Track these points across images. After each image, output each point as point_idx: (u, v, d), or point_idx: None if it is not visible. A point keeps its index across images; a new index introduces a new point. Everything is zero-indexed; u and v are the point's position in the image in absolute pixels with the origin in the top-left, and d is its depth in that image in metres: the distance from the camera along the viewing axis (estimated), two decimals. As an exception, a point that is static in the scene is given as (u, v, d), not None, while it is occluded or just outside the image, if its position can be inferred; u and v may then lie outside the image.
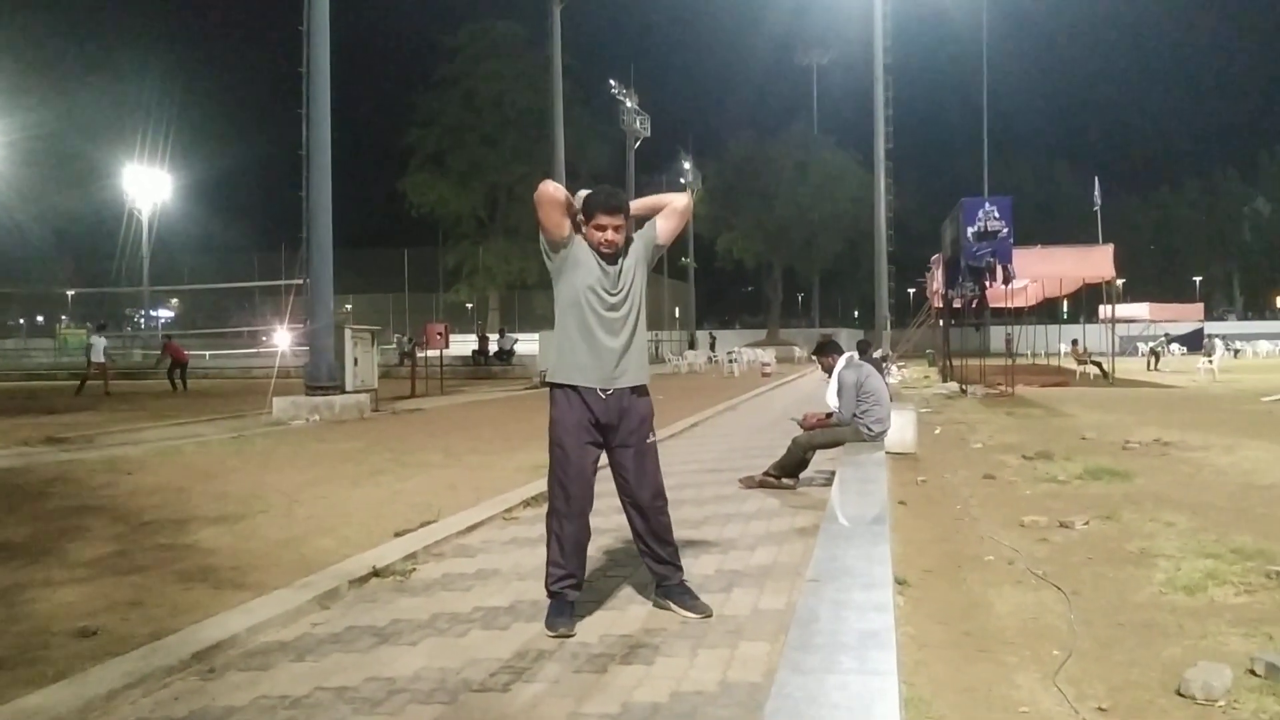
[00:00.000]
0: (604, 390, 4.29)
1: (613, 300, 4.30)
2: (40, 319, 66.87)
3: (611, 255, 4.32)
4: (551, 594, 4.29)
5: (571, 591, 4.30)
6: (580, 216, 4.32)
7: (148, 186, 45.70)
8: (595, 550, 5.25)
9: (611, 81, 44.35)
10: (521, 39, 52.97)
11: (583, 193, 4.36)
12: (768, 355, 36.33)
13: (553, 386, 4.39)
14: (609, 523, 5.80)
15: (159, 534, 6.24)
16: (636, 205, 4.50)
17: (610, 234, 4.28)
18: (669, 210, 4.51)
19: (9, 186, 45.80)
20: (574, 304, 4.31)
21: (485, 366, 33.24)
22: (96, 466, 9.55)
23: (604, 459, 4.45)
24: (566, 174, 29.77)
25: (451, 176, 55.44)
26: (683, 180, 61.53)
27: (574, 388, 4.30)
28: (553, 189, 4.24)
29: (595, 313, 4.28)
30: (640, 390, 4.43)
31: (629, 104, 45.22)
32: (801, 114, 73.41)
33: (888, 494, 5.50)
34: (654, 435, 4.51)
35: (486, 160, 55.61)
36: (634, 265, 4.38)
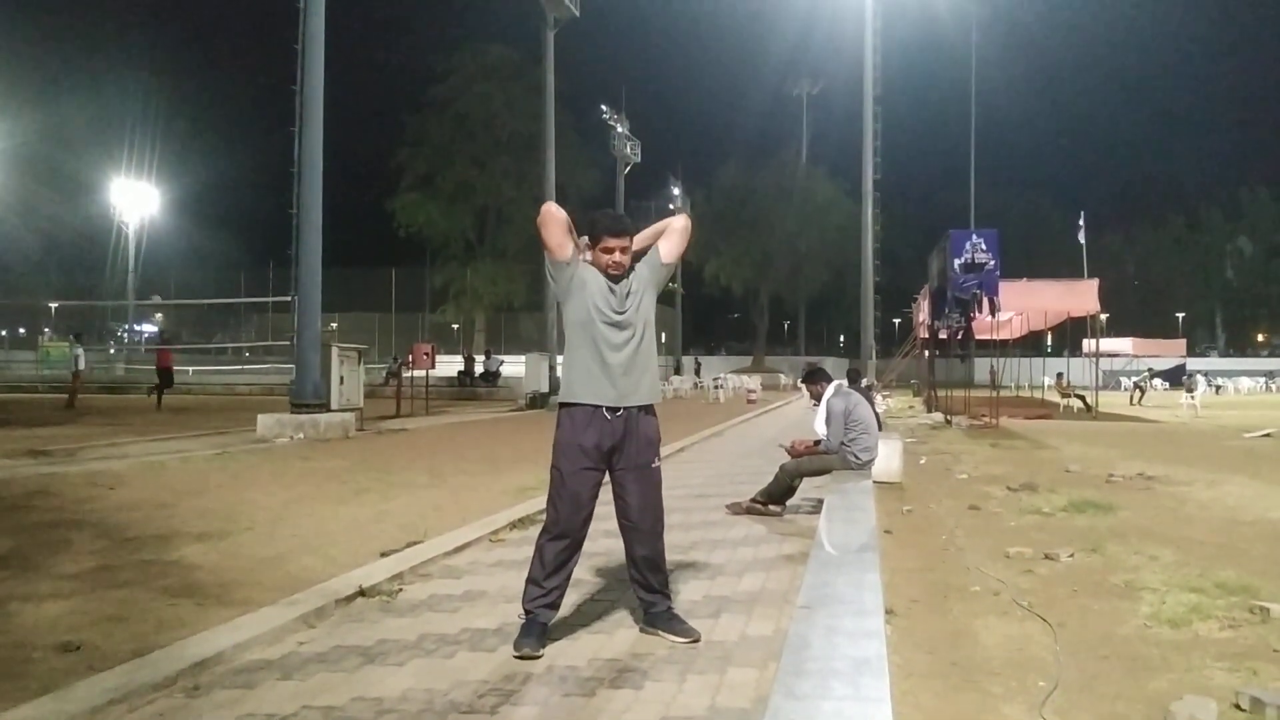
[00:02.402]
0: (612, 410, 4.31)
1: (620, 319, 4.32)
2: (22, 331, 66.41)
3: (618, 276, 4.35)
4: (525, 611, 4.29)
5: (545, 612, 4.29)
6: (586, 241, 4.36)
7: (135, 200, 45.63)
8: (583, 573, 5.25)
9: (603, 107, 44.48)
10: (514, 63, 53.14)
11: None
12: (753, 382, 36.41)
13: (562, 406, 4.40)
14: (597, 546, 5.79)
15: (143, 549, 6.20)
16: (641, 237, 4.51)
17: (617, 256, 4.32)
18: (669, 231, 4.55)
19: (-3, 197, 45.70)
20: (583, 324, 4.33)
21: (470, 388, 33.20)
22: (79, 480, 9.47)
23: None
24: (557, 198, 29.84)
25: (441, 197, 55.49)
26: (672, 206, 61.79)
27: (582, 408, 4.31)
28: (555, 208, 4.28)
29: (603, 332, 4.30)
30: (649, 410, 4.44)
31: (620, 129, 45.35)
32: (791, 143, 73.78)
33: (875, 523, 5.52)
34: (659, 460, 4.51)
35: (476, 182, 55.72)
36: (641, 287, 4.41)
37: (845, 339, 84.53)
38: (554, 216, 4.26)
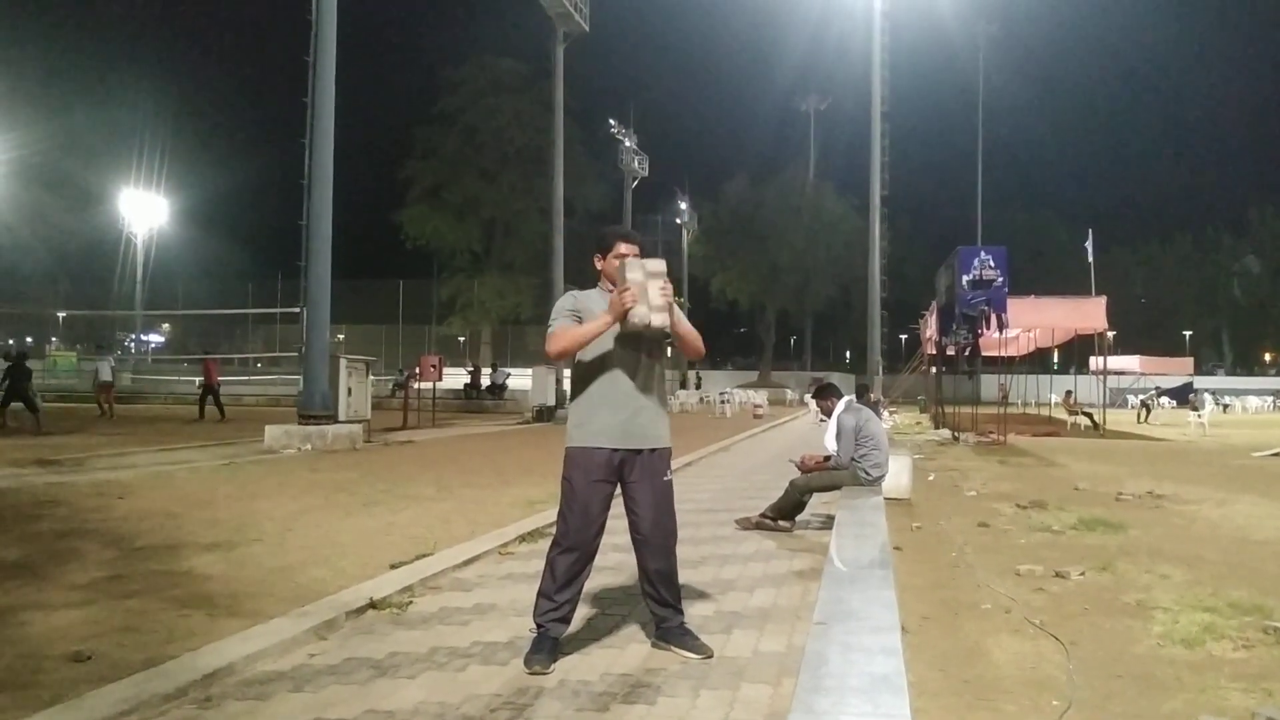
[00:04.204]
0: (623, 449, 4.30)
1: (631, 360, 4.31)
2: (30, 339, 66.60)
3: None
4: (536, 625, 4.28)
5: (557, 626, 4.28)
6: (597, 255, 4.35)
7: (144, 210, 45.82)
8: (594, 587, 5.24)
9: (611, 121, 44.64)
10: (523, 76, 53.37)
11: (639, 279, 4.22)
12: (760, 397, 36.37)
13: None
14: (607, 560, 5.78)
15: (152, 559, 6.20)
16: (679, 318, 4.39)
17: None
18: (689, 342, 4.46)
19: (6, 205, 45.89)
20: (593, 363, 4.32)
21: (477, 400, 33.19)
22: (88, 490, 9.49)
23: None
24: (565, 212, 29.94)
25: (448, 210, 55.63)
26: (679, 220, 61.93)
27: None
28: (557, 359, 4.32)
29: (616, 373, 4.29)
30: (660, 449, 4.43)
31: (628, 144, 45.47)
32: (799, 158, 73.77)
33: (888, 539, 5.50)
34: (670, 473, 4.50)
35: (484, 195, 55.87)
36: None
37: (851, 354, 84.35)
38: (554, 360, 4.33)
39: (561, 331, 4.26)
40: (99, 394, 23.92)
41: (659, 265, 4.24)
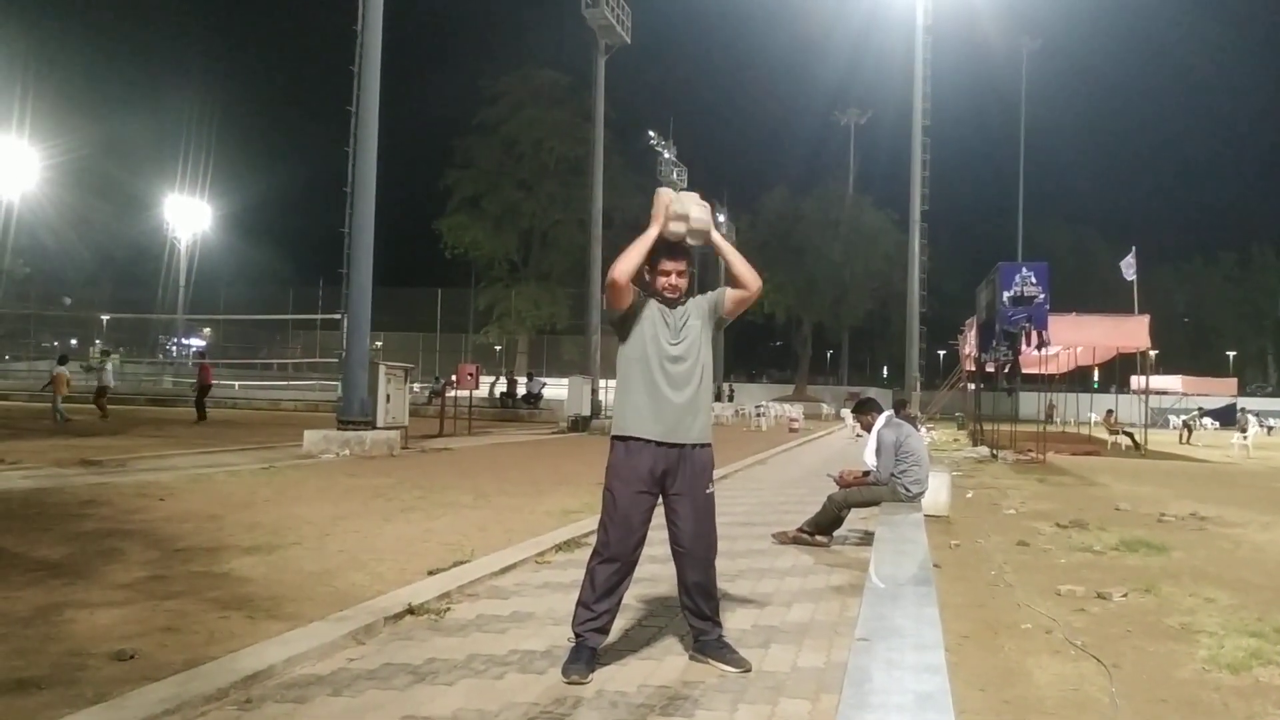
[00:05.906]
0: (666, 444, 4.29)
1: (676, 353, 4.31)
2: (74, 342, 67.56)
3: (673, 301, 4.34)
4: (575, 635, 4.28)
5: (595, 636, 4.28)
6: (645, 266, 4.36)
7: (188, 215, 46.44)
8: (631, 599, 5.22)
9: (650, 133, 44.64)
10: (562, 87, 53.60)
11: (671, 194, 4.44)
12: (795, 411, 36.22)
13: (614, 439, 4.38)
14: (643, 572, 5.75)
15: (193, 561, 6.26)
16: (720, 241, 4.50)
17: (674, 279, 4.35)
18: (742, 296, 4.48)
19: (53, 209, 46.67)
20: (638, 358, 4.32)
21: (512, 409, 33.31)
22: (129, 491, 9.60)
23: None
24: (603, 223, 29.99)
25: (487, 219, 55.88)
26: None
27: (636, 440, 4.29)
28: (621, 278, 4.26)
29: (660, 366, 4.29)
30: (703, 444, 4.42)
31: (667, 155, 45.46)
32: (838, 172, 73.48)
33: (929, 556, 5.45)
34: (713, 486, 4.48)
35: (522, 205, 56.09)
36: (698, 321, 4.40)
37: (889, 369, 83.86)
38: (619, 287, 4.27)
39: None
40: (98, 397, 24.18)
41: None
